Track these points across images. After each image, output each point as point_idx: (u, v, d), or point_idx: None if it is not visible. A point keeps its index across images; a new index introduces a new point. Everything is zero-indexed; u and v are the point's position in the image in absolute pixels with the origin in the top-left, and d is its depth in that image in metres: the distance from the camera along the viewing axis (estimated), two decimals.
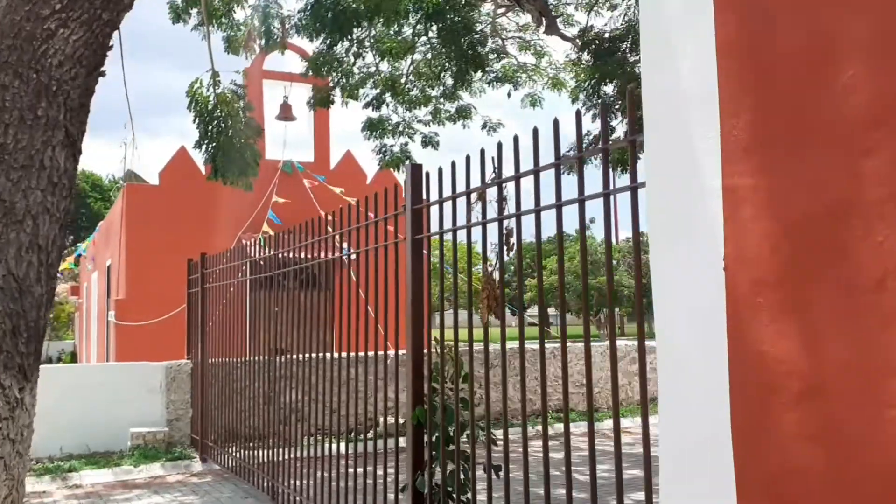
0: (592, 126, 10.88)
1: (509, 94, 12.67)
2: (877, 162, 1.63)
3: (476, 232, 4.49)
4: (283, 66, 18.41)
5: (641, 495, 3.22)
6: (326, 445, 6.31)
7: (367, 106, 12.32)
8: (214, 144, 8.61)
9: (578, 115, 3.76)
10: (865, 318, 1.63)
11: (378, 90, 12.28)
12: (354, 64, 12.12)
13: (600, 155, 3.58)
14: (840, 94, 1.74)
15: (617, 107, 10.06)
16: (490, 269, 4.19)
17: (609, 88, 9.96)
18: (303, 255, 6.91)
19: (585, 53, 9.17)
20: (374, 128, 12.34)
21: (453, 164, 4.62)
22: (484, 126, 12.96)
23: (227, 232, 15.77)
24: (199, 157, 11.92)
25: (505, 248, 4.11)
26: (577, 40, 10.35)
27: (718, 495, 1.92)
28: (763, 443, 1.84)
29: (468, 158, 4.45)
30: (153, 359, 10.91)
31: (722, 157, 2.10)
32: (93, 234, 22.72)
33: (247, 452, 8.24)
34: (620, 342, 13.87)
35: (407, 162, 12.29)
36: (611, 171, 4.46)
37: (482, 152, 4.32)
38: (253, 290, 8.52)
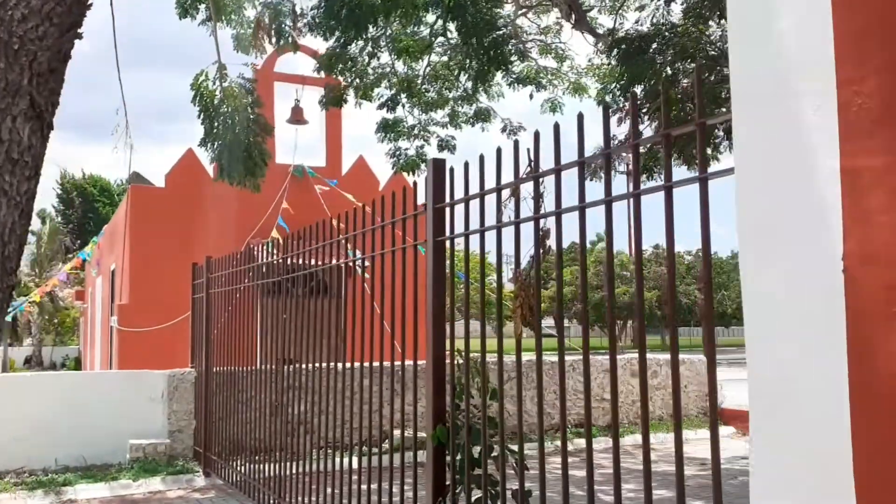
0: (617, 130, 10.40)
1: (531, 96, 12.18)
2: None
3: (503, 234, 4.02)
4: (295, 69, 17.98)
5: None
6: (337, 460, 5.82)
7: (381, 107, 11.86)
8: (220, 142, 8.13)
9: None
10: None
11: (393, 91, 11.82)
12: (369, 64, 11.68)
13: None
14: None
15: (644, 110, 9.59)
16: (523, 274, 3.70)
17: (637, 91, 9.47)
18: (313, 261, 6.44)
19: (614, 53, 8.67)
20: (388, 129, 11.88)
21: (481, 158, 4.14)
22: (504, 129, 12.46)
23: (235, 237, 15.35)
24: (206, 160, 11.52)
25: (541, 250, 3.63)
26: (608, 38, 9.85)
27: None
28: None
29: (499, 150, 3.97)
30: (157, 366, 10.47)
31: (840, 132, 1.69)
32: (97, 238, 22.31)
33: (252, 466, 7.76)
34: (635, 355, 13.34)
35: (422, 165, 11.84)
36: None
37: (515, 144, 3.83)
38: (260, 296, 8.04)
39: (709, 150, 9.62)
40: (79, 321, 33.00)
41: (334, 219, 6.05)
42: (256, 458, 7.73)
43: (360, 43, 11.15)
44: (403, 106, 11.91)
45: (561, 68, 12.80)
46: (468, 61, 10.01)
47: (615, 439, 3.12)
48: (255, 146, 8.67)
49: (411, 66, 11.89)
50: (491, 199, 4.05)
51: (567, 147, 3.15)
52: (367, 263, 5.50)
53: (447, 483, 4.32)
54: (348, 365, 5.94)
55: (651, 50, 8.98)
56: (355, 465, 5.41)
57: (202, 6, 10.57)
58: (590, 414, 3.21)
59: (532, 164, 3.69)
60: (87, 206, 49.53)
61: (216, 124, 8.01)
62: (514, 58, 10.83)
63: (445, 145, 12.26)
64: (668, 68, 8.54)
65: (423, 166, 12.02)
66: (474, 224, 4.21)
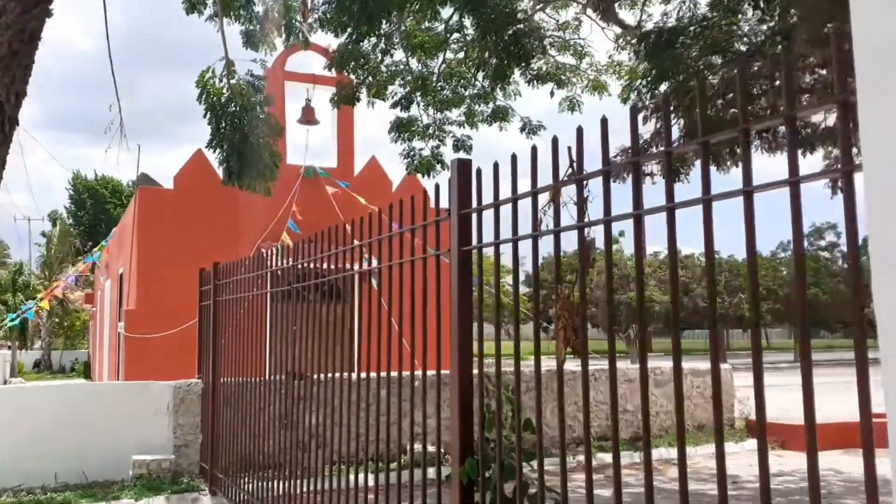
0: (642, 129, 9.92)
1: (552, 93, 11.67)
2: None
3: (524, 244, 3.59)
4: (306, 69, 17.57)
5: None
6: (351, 476, 5.38)
7: (395, 105, 11.41)
8: (229, 143, 7.68)
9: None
10: None
11: (407, 89, 11.37)
12: (382, 61, 11.23)
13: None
14: None
15: (671, 108, 9.12)
16: (566, 289, 3.24)
17: (665, 90, 9.00)
18: (326, 266, 6.00)
19: (642, 47, 8.19)
20: (402, 129, 11.43)
21: (513, 158, 3.68)
22: (523, 128, 11.95)
23: (245, 239, 14.95)
24: (215, 161, 11.10)
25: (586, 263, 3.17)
26: (636, 29, 9.37)
27: None
28: None
29: (534, 149, 3.51)
30: (164, 374, 10.06)
31: None
32: (106, 241, 21.95)
33: (261, 484, 7.31)
34: (657, 363, 12.89)
35: (438, 166, 11.39)
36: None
37: (555, 141, 3.37)
38: (270, 301, 7.60)
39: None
40: (88, 325, 32.74)
41: (348, 224, 5.61)
42: (265, 474, 7.29)
43: (373, 39, 10.72)
44: (418, 104, 11.46)
45: (580, 65, 12.32)
46: (486, 56, 9.54)
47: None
48: (265, 147, 8.22)
49: (426, 63, 11.44)
50: (519, 206, 3.61)
51: (589, 151, 2.73)
52: (378, 272, 5.05)
53: None
54: (363, 375, 5.50)
55: (679, 44, 8.51)
56: (371, 482, 5.00)
57: (210, 1, 10.16)
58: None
59: (574, 164, 3.24)
60: (99, 207, 49.35)
61: (223, 124, 7.56)
62: (534, 53, 10.35)
63: (461, 145, 11.80)
64: (699, 63, 8.06)
65: (438, 167, 11.58)
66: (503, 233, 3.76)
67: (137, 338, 14.81)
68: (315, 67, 17.14)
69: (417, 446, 7.20)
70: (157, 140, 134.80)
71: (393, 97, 11.51)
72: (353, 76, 11.26)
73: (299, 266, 6.60)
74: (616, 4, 11.32)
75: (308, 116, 16.78)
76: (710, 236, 2.65)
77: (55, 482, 8.71)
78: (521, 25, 9.46)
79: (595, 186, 3.17)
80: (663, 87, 8.97)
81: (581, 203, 3.18)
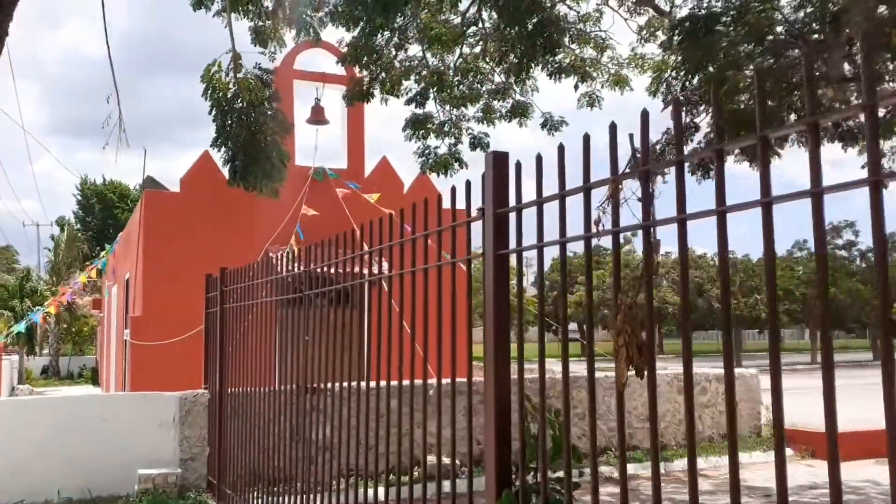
0: (660, 117, 9.44)
1: (576, 87, 11.16)
2: None
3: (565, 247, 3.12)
4: (316, 67, 17.13)
5: None
6: (361, 490, 4.93)
7: (409, 102, 10.93)
8: (234, 141, 7.20)
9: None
10: None
11: (422, 85, 10.88)
12: (396, 56, 10.75)
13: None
14: None
15: (700, 98, 8.65)
16: (628, 299, 2.76)
17: (697, 81, 8.50)
18: (337, 270, 5.54)
19: (675, 35, 7.67)
20: (417, 126, 10.94)
21: (560, 149, 3.20)
22: (545, 124, 11.42)
23: (253, 243, 14.49)
24: (221, 162, 10.65)
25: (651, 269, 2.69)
26: (670, 16, 8.87)
27: None
28: None
29: (587, 137, 3.03)
30: (170, 383, 9.63)
31: None
32: (113, 246, 21.52)
33: (270, 499, 6.85)
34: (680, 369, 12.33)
35: (455, 164, 10.91)
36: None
37: (612, 127, 2.89)
38: (279, 307, 7.14)
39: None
40: (96, 330, 32.38)
41: (357, 227, 5.15)
42: (275, 488, 6.84)
43: (387, 33, 10.25)
44: (435, 100, 10.97)
45: (601, 59, 11.81)
46: (507, 49, 9.04)
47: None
48: (273, 145, 7.74)
49: (442, 57, 10.95)
50: (584, 199, 3.14)
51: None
52: (400, 277, 4.58)
53: None
54: (373, 384, 5.04)
55: (717, 30, 8.02)
56: (386, 496, 4.55)
57: None
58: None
59: (638, 154, 2.76)
60: (107, 212, 49.08)
61: (229, 121, 7.08)
62: (559, 44, 9.84)
63: (478, 143, 11.31)
64: (737, 49, 7.56)
65: (456, 165, 11.09)
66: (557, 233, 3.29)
67: (144, 345, 14.37)
68: (325, 66, 16.70)
69: (431, 458, 6.74)
70: (168, 145, 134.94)
71: (407, 93, 11.03)
72: (365, 72, 10.78)
73: (311, 271, 6.14)
74: None
75: (317, 116, 16.30)
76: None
77: (58, 498, 8.37)
78: (545, 14, 8.95)
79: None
80: (695, 79, 8.48)
81: (647, 199, 2.70)
